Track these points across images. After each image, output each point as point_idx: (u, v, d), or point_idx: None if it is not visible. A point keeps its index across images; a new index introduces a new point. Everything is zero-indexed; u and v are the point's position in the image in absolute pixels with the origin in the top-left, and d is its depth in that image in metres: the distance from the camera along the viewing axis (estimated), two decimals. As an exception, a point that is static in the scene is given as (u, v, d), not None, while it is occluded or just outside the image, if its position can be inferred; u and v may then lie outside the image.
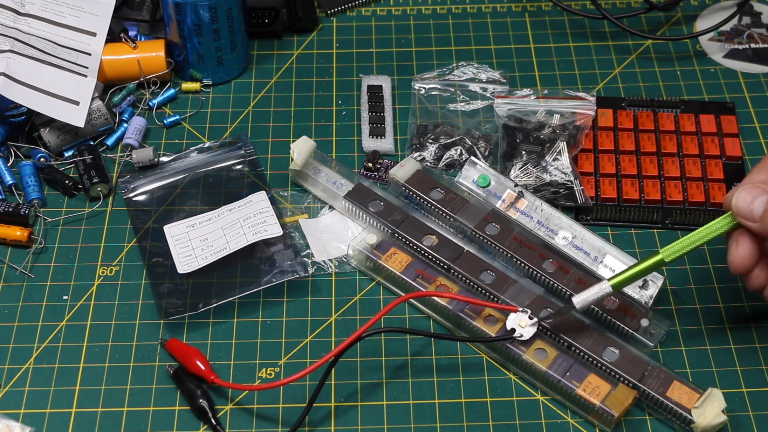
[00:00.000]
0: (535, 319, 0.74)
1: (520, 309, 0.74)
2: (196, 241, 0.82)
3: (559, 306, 0.76)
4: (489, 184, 0.83)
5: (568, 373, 0.72)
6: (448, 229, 0.82)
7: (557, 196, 0.84)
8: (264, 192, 0.84)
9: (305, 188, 0.86)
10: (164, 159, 0.88)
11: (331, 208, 0.85)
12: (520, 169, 0.85)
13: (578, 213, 0.85)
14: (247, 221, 0.82)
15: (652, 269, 0.72)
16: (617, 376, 0.73)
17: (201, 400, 0.72)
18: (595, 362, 0.74)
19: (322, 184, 0.85)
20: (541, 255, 0.79)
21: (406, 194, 0.84)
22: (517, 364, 0.74)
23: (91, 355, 0.76)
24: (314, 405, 0.73)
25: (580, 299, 0.72)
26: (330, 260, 0.82)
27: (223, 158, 0.89)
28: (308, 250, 0.82)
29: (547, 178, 0.84)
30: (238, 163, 0.88)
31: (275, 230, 0.81)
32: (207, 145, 0.90)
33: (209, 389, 0.74)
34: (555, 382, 0.72)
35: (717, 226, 0.71)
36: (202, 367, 0.73)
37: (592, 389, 0.72)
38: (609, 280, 0.72)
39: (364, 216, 0.83)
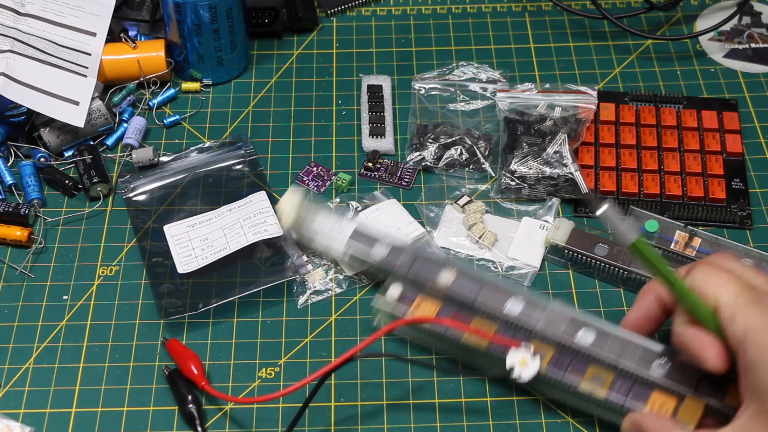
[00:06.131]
0: (538, 356, 0.69)
1: (523, 344, 0.69)
2: (196, 241, 0.82)
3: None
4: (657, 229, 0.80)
5: (630, 395, 0.68)
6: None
7: (557, 189, 0.84)
8: (264, 192, 0.84)
9: (303, 243, 0.81)
10: (164, 159, 0.88)
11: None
12: (520, 161, 0.85)
13: (577, 205, 0.85)
14: (247, 221, 0.82)
15: (662, 278, 0.65)
16: (675, 390, 0.68)
17: (190, 406, 0.72)
18: (648, 380, 0.69)
19: (321, 232, 0.79)
20: None
21: (569, 256, 0.80)
22: (569, 392, 0.70)
23: (91, 355, 0.76)
24: (314, 405, 0.73)
25: (609, 209, 0.62)
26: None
27: (223, 158, 0.89)
28: (338, 267, 0.81)
29: (547, 170, 0.84)
30: (238, 163, 0.88)
31: (275, 230, 0.81)
32: (207, 145, 0.90)
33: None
34: (618, 408, 0.68)
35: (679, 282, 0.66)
36: (195, 372, 0.73)
37: (660, 406, 0.67)
38: (639, 238, 0.63)
39: (371, 262, 0.78)
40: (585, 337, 0.70)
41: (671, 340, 0.68)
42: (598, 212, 0.62)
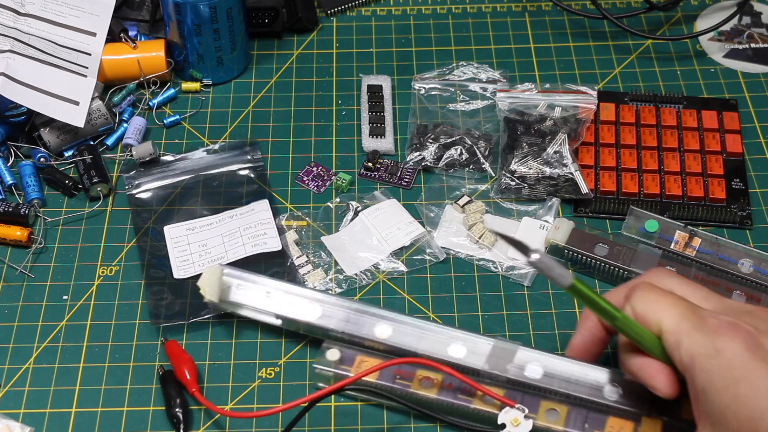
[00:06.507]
0: (531, 420, 0.68)
1: (517, 405, 0.68)
2: (195, 246, 0.81)
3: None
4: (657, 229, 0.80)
5: (587, 425, 0.68)
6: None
7: (557, 189, 0.84)
8: (267, 201, 0.84)
9: (234, 312, 0.77)
10: (170, 158, 0.88)
11: (354, 215, 0.85)
12: (520, 161, 0.85)
13: (577, 205, 0.85)
14: (247, 231, 0.82)
15: (603, 314, 0.64)
16: (630, 413, 0.68)
17: (177, 409, 0.71)
18: (603, 405, 0.69)
19: (248, 305, 0.76)
20: (728, 288, 0.76)
21: (569, 256, 0.80)
22: None
23: (91, 355, 0.76)
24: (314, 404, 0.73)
25: (542, 256, 0.60)
26: (360, 272, 0.81)
27: (230, 161, 0.88)
28: (338, 266, 0.81)
29: (547, 170, 0.84)
30: (243, 168, 0.88)
31: (275, 244, 0.80)
32: (217, 146, 0.89)
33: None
34: None
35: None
36: (188, 377, 0.73)
37: (618, 431, 0.67)
38: (575, 279, 0.62)
39: (305, 327, 0.75)
40: (533, 372, 0.70)
41: (620, 366, 0.67)
42: (531, 259, 0.60)
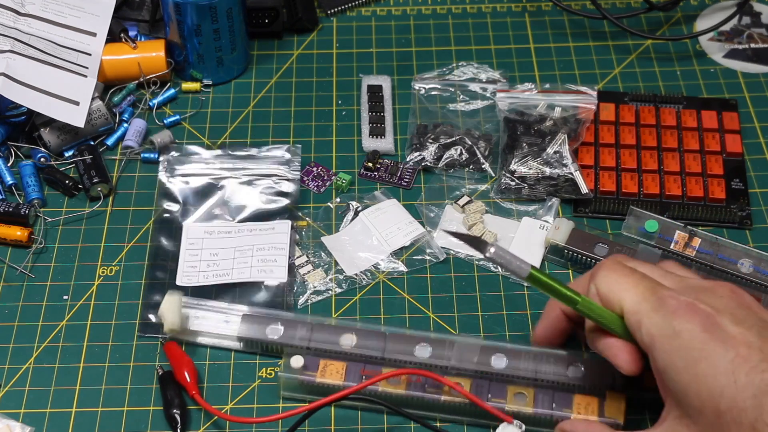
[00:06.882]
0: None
1: (515, 422, 0.67)
2: (206, 253, 0.80)
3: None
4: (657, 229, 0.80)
5: (554, 404, 0.70)
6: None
7: (557, 189, 0.84)
8: (289, 223, 0.82)
9: (193, 341, 0.77)
10: (211, 153, 0.87)
11: (354, 215, 0.85)
12: (520, 161, 0.85)
13: (577, 205, 0.85)
14: (260, 252, 0.80)
15: (564, 300, 0.65)
16: (595, 389, 0.70)
17: (175, 410, 0.71)
18: (568, 385, 0.71)
19: (209, 332, 0.76)
20: None
21: (569, 257, 0.80)
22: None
23: (91, 355, 0.76)
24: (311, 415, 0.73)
25: (498, 250, 0.62)
26: (361, 272, 0.81)
27: (269, 172, 0.86)
28: (338, 266, 0.81)
29: (547, 170, 0.84)
30: (279, 181, 0.86)
31: (281, 275, 0.79)
32: (265, 149, 0.88)
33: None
34: (547, 418, 0.69)
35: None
36: (188, 379, 0.72)
37: (585, 408, 0.69)
38: (532, 268, 0.63)
39: (269, 345, 0.75)
40: (498, 363, 0.71)
41: (588, 344, 0.69)
42: (487, 254, 0.62)
